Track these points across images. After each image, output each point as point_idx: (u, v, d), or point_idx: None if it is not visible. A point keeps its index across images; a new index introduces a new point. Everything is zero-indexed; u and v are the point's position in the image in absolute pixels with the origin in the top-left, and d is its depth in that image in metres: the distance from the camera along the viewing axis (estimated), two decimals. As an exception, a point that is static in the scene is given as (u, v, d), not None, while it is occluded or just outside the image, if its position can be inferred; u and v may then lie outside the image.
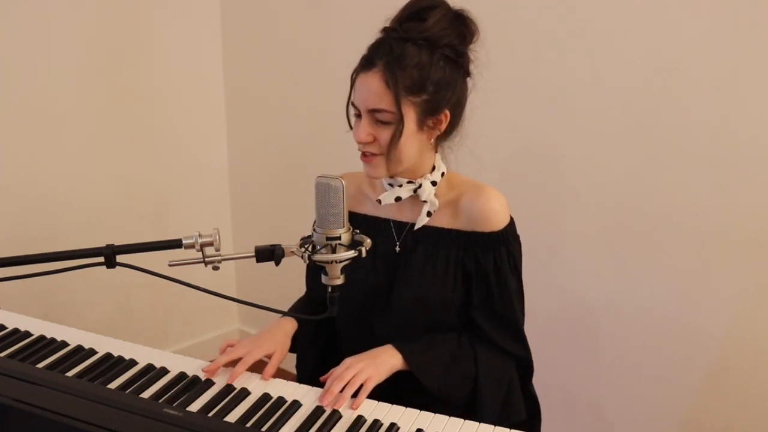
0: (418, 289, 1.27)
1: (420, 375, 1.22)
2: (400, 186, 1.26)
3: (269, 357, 1.27)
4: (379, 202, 1.27)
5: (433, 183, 1.26)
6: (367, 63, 1.16)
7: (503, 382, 1.29)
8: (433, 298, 1.27)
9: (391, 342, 1.25)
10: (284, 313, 1.20)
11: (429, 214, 1.27)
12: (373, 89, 1.15)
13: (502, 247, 1.25)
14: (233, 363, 1.24)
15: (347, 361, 1.20)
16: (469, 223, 1.26)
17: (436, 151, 1.28)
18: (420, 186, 1.26)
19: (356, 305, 1.32)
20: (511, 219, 1.28)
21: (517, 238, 1.29)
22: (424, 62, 1.15)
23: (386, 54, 1.14)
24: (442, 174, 1.28)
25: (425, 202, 1.27)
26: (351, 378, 1.15)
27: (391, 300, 1.30)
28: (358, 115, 1.20)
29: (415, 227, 1.29)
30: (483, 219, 1.24)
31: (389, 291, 1.30)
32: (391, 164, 1.20)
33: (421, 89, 1.16)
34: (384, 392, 1.18)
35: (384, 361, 1.20)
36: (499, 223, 1.25)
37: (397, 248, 1.31)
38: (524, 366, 1.34)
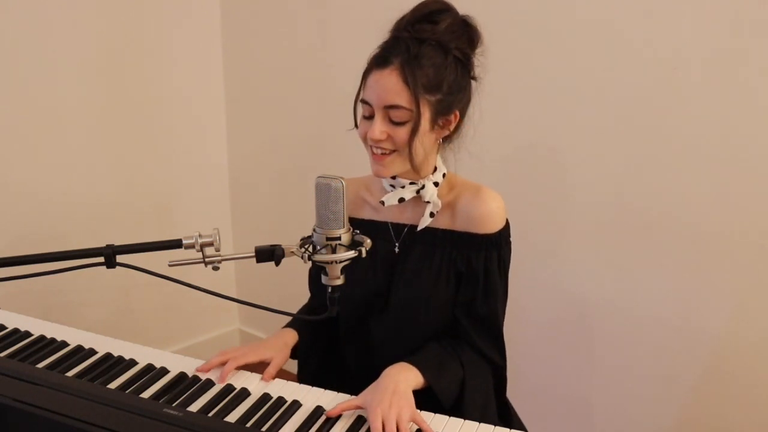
0: (416, 289, 1.28)
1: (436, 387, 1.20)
2: (403, 187, 1.27)
3: (267, 362, 1.27)
4: (383, 203, 1.27)
5: (435, 184, 1.27)
6: (382, 60, 1.17)
7: (485, 385, 1.28)
8: (430, 297, 1.27)
9: (387, 343, 1.26)
10: (284, 314, 1.19)
11: (432, 214, 1.28)
12: (391, 86, 1.15)
13: (494, 250, 1.26)
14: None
15: (376, 409, 1.08)
16: (466, 223, 1.26)
17: (437, 153, 1.29)
18: (423, 187, 1.26)
19: (356, 306, 1.32)
20: (507, 222, 1.29)
21: (509, 241, 1.30)
22: (439, 63, 1.16)
23: (403, 52, 1.15)
24: (443, 175, 1.29)
25: (428, 203, 1.27)
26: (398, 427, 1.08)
27: (389, 300, 1.30)
28: (367, 117, 1.21)
29: (418, 228, 1.29)
30: (479, 220, 1.25)
31: (388, 291, 1.31)
32: (413, 160, 1.20)
33: (437, 89, 1.17)
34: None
35: (408, 393, 1.14)
36: (495, 226, 1.26)
37: (396, 249, 1.31)
38: (499, 375, 1.34)
